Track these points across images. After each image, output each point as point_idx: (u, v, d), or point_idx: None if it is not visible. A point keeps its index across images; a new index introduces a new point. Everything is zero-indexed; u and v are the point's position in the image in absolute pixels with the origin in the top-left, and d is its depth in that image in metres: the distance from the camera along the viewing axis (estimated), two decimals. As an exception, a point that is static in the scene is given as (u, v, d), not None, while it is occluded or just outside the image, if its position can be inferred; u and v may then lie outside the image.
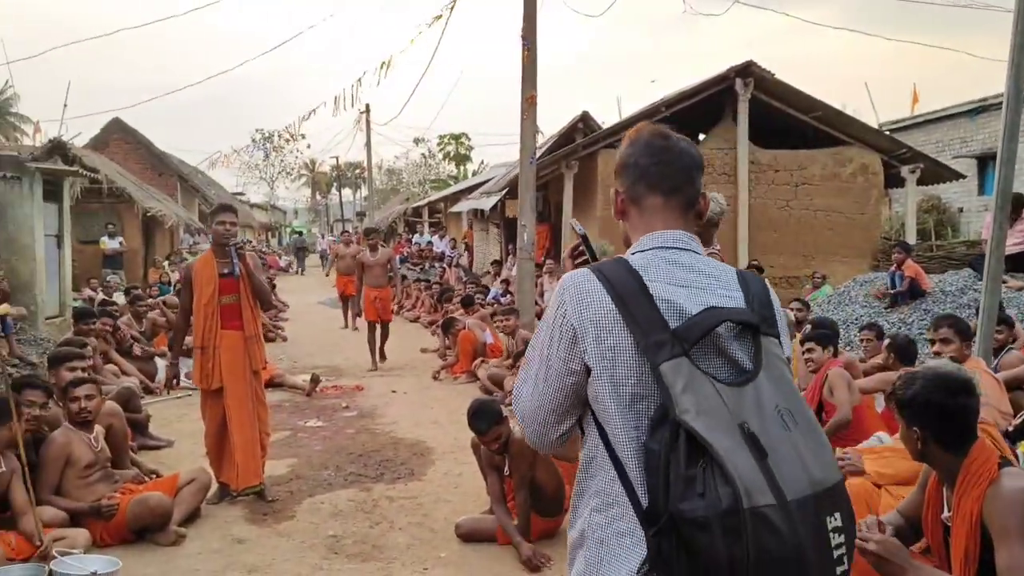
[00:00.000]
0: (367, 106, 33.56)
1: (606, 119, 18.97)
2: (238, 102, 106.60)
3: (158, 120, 69.52)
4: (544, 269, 13.56)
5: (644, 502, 1.43)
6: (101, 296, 12.30)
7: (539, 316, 12.88)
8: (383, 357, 10.65)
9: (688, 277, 1.56)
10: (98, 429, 4.68)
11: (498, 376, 8.49)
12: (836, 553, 1.37)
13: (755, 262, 12.10)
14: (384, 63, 12.30)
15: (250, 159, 53.09)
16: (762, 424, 1.39)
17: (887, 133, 16.98)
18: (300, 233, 44.69)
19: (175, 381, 5.70)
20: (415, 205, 35.94)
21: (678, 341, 1.44)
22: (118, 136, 24.33)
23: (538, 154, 12.46)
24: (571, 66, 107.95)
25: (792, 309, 8.10)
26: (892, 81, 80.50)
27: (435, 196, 34.73)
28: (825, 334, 5.61)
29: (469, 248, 23.48)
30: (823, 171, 14.21)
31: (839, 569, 1.38)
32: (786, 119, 14.18)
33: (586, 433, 1.60)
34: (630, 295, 1.50)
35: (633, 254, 1.64)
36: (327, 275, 23.70)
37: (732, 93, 13.72)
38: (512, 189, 16.78)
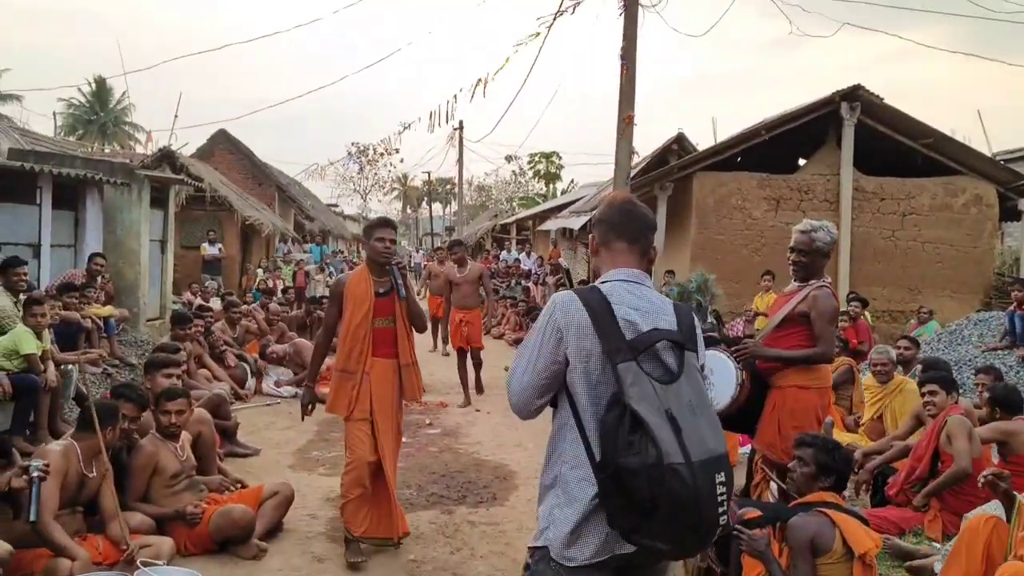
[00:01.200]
0: (460, 123, 34.04)
1: (700, 141, 18.58)
2: (338, 116, 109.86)
3: (262, 131, 72.18)
4: (633, 292, 13.29)
5: (597, 457, 2.08)
6: (199, 301, 12.66)
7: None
8: (479, 389, 9.61)
9: (641, 304, 2.20)
10: (185, 437, 4.71)
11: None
12: (720, 497, 2.01)
13: (855, 294, 11.53)
14: (480, 80, 12.33)
15: (345, 171, 54.54)
16: (679, 410, 2.02)
17: (1002, 163, 16.06)
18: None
19: (310, 408, 4.75)
20: (503, 222, 36.09)
21: (630, 349, 2.09)
22: (223, 146, 25.21)
23: (632, 175, 12.25)
24: (665, 87, 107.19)
25: (899, 348, 7.64)
26: (1006, 108, 76.71)
27: (524, 213, 34.81)
28: (947, 377, 5.21)
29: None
30: (933, 201, 13.51)
31: (720, 509, 2.01)
32: (893, 145, 13.56)
33: (559, 408, 2.23)
34: (601, 313, 2.14)
35: (603, 283, 2.27)
36: (420, 294, 24.19)
37: (836, 117, 13.21)
38: (603, 209, 16.58)
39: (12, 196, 9.31)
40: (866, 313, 11.41)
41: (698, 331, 2.29)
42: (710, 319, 4.59)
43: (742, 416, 4.38)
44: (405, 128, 18.79)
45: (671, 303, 2.30)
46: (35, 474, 3.57)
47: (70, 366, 6.37)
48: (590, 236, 2.41)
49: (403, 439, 7.35)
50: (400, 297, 4.64)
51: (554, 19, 11.96)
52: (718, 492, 2.00)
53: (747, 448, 6.51)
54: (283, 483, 4.95)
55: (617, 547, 2.09)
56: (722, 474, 2.03)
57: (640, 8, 10.49)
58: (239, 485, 5.34)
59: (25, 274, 6.53)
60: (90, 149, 34.60)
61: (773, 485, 4.99)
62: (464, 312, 9.46)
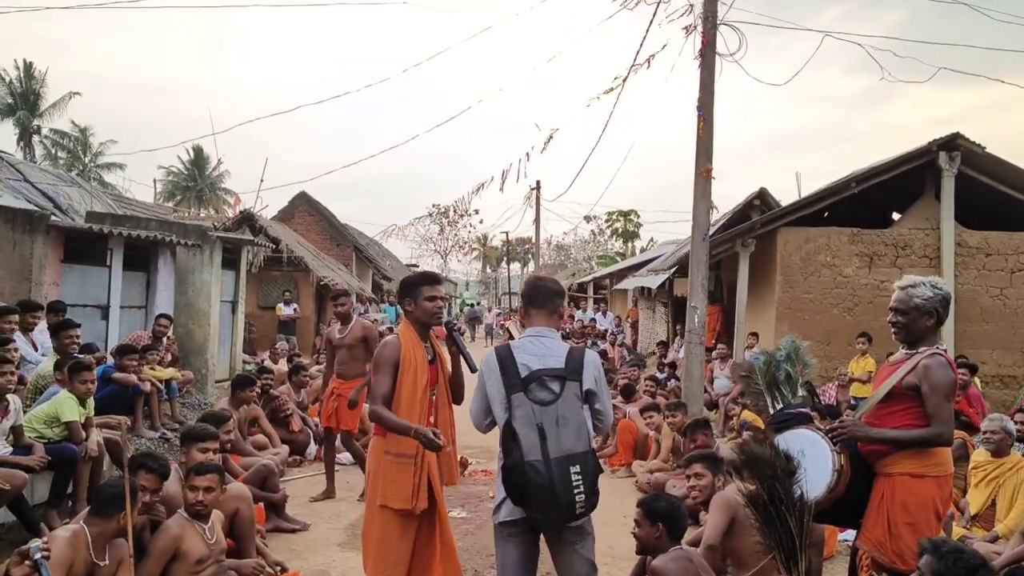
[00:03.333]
0: (537, 183, 34.04)
1: (784, 198, 17.76)
2: (420, 178, 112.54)
3: (344, 195, 74.11)
4: (715, 354, 12.52)
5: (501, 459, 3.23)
6: (269, 362, 12.52)
7: (707, 405, 11.86)
8: None
9: (539, 351, 3.30)
10: (216, 517, 4.31)
11: (660, 481, 7.59)
12: (575, 483, 3.03)
13: (963, 359, 10.53)
14: (550, 135, 12.01)
15: (425, 232, 55.25)
16: (549, 424, 3.08)
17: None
18: (472, 305, 45.53)
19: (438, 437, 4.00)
20: (580, 281, 35.57)
21: (521, 383, 3.19)
22: (303, 208, 25.72)
23: (711, 231, 11.64)
24: (746, 144, 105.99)
25: (1017, 423, 6.72)
26: (1115, 158, 72.47)
27: (601, 272, 34.25)
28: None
29: (634, 326, 22.65)
30: (1045, 256, 12.40)
31: (576, 492, 3.03)
32: (996, 197, 12.58)
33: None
34: (506, 361, 3.27)
35: (519, 339, 3.43)
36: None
37: (934, 168, 12.33)
38: (682, 267, 15.94)
39: (84, 258, 9.38)
40: (976, 379, 10.40)
41: (586, 366, 3.29)
42: (801, 392, 3.95)
43: (843, 507, 3.72)
44: (480, 188, 18.52)
45: (566, 347, 3.37)
46: (37, 556, 3.22)
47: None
48: (520, 306, 3.83)
49: (463, 514, 6.93)
50: (472, 369, 4.04)
51: (628, 72, 11.59)
52: (573, 480, 3.02)
53: (847, 535, 5.75)
54: (320, 570, 4.49)
55: (518, 513, 3.19)
56: (577, 467, 3.04)
57: (717, 57, 10.04)
58: (279, 568, 4.92)
59: (77, 336, 6.38)
60: (186, 214, 35.98)
61: (881, 587, 4.27)
62: None
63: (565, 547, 3.25)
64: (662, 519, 3.75)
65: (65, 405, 5.59)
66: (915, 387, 3.61)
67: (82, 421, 5.64)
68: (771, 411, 3.91)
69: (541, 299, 3.47)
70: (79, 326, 6.49)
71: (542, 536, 3.33)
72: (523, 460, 3.00)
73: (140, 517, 4.13)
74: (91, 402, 5.83)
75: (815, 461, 3.57)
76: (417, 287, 4.10)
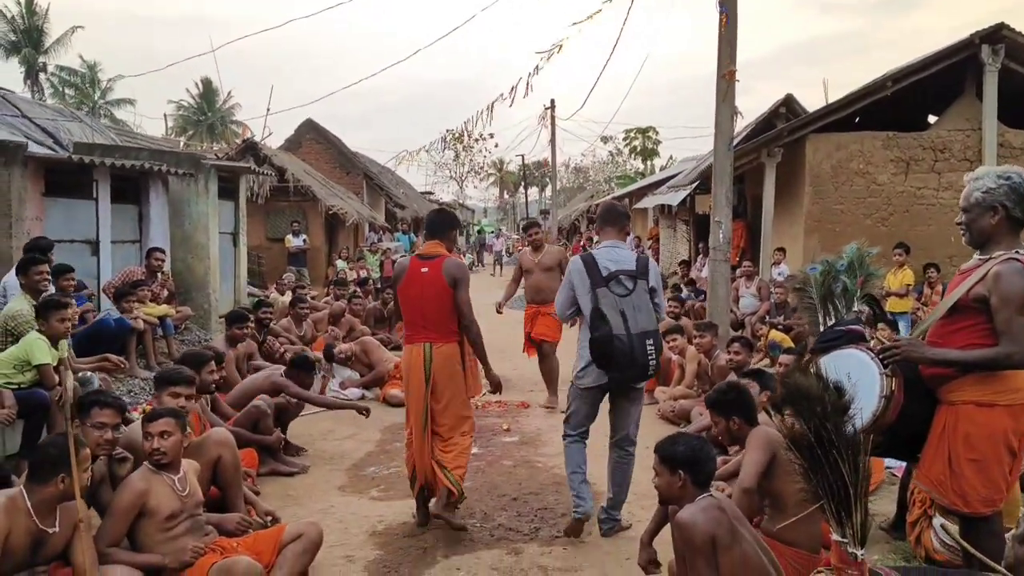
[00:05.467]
0: (552, 102, 32.87)
1: (811, 108, 16.78)
2: (432, 104, 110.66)
3: (353, 122, 72.55)
4: (739, 272, 11.91)
5: (590, 334, 4.34)
6: (275, 295, 12.09)
7: (733, 325, 11.30)
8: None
9: (614, 257, 4.40)
10: (189, 467, 3.86)
11: (685, 408, 7.11)
12: (649, 353, 4.26)
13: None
14: (560, 43, 11.21)
15: (440, 158, 54.17)
16: (628, 309, 4.26)
17: None
18: (481, 231, 45.58)
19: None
20: (599, 202, 34.74)
21: (604, 280, 4.32)
22: (310, 136, 24.93)
23: (735, 141, 10.87)
24: (767, 57, 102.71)
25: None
26: None
27: (619, 192, 33.38)
28: None
29: (655, 246, 21.99)
30: (1095, 156, 11.55)
31: (648, 358, 4.27)
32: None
33: (580, 316, 4.50)
34: (589, 264, 4.38)
35: (596, 249, 4.60)
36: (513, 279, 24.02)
37: (976, 63, 11.44)
38: (704, 182, 15.20)
39: (68, 191, 8.88)
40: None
41: (651, 269, 4.46)
42: (858, 306, 3.38)
43: (900, 440, 3.20)
44: (490, 107, 17.72)
45: (635, 255, 4.49)
46: None
47: (89, 374, 5.70)
48: (595, 224, 5.97)
49: (475, 450, 6.51)
50: None
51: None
52: (648, 350, 4.23)
53: (891, 462, 5.25)
54: (310, 523, 4.03)
55: (601, 379, 4.38)
56: (651, 340, 4.25)
57: (740, -54, 9.10)
58: (269, 519, 4.52)
59: (47, 273, 5.90)
60: (199, 148, 35.32)
61: (938, 524, 3.79)
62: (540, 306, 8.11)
63: (628, 401, 4.52)
64: (683, 466, 3.06)
65: (36, 347, 5.16)
66: (984, 299, 3.04)
67: (54, 364, 5.21)
68: (821, 328, 3.34)
69: (613, 218, 4.65)
70: (47, 262, 5.99)
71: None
72: (612, 334, 4.15)
73: (98, 467, 3.72)
74: (64, 343, 5.39)
75: (862, 386, 3.02)
76: (459, 227, 5.31)
